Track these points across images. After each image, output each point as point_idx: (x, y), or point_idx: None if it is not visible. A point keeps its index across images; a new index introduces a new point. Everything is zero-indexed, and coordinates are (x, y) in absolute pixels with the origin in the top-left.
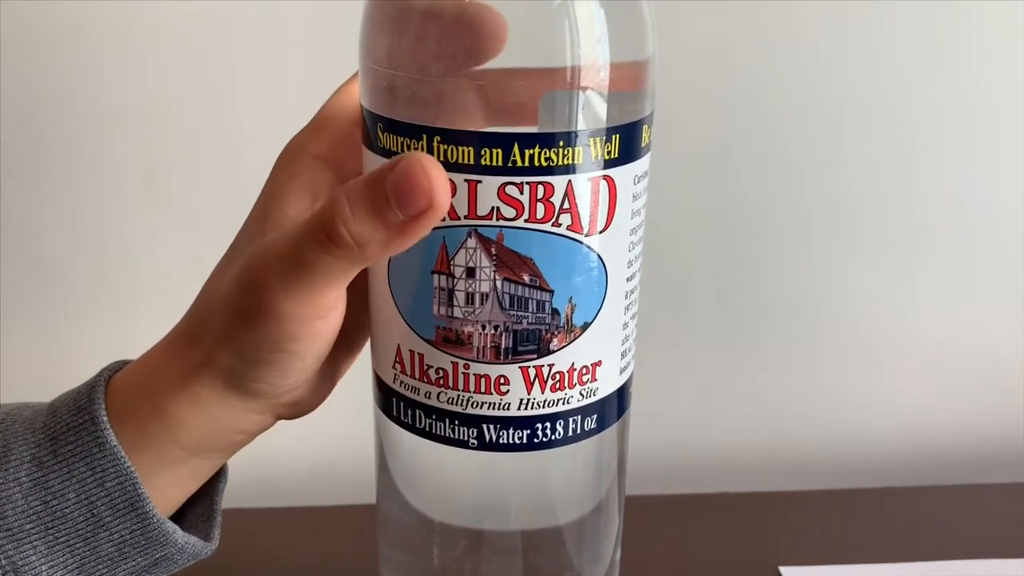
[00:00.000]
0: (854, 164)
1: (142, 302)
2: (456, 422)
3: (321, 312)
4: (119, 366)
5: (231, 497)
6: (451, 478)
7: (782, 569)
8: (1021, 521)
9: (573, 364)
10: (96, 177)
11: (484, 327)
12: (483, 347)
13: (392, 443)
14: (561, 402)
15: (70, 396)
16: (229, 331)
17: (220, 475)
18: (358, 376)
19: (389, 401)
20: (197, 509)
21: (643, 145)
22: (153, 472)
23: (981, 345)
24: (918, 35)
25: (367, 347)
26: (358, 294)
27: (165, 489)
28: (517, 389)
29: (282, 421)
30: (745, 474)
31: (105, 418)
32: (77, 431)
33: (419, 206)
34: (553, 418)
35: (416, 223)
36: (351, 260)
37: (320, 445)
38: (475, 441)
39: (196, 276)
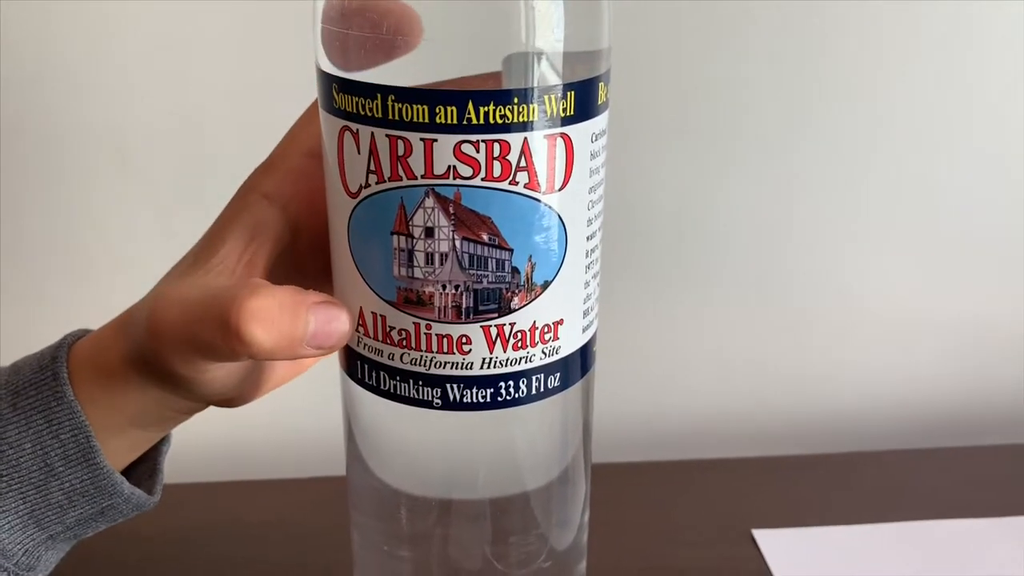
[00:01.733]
0: (829, 138)
1: (115, 280)
2: (420, 383)
3: (209, 373)
4: (81, 334)
5: (210, 471)
6: (417, 450)
7: (755, 532)
8: (988, 483)
9: (535, 323)
10: (71, 156)
11: (444, 287)
12: (444, 307)
13: (358, 415)
14: (524, 360)
15: (33, 356)
16: (145, 348)
17: (164, 440)
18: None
19: (354, 364)
20: (140, 469)
21: (600, 103)
22: (98, 437)
23: (949, 314)
24: (896, 10)
25: None
26: (302, 273)
27: (110, 454)
28: (479, 348)
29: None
30: (717, 441)
31: (66, 375)
32: (38, 386)
33: (327, 344)
34: (516, 376)
35: (314, 351)
36: (240, 357)
37: (297, 418)
38: (439, 401)
39: (168, 255)
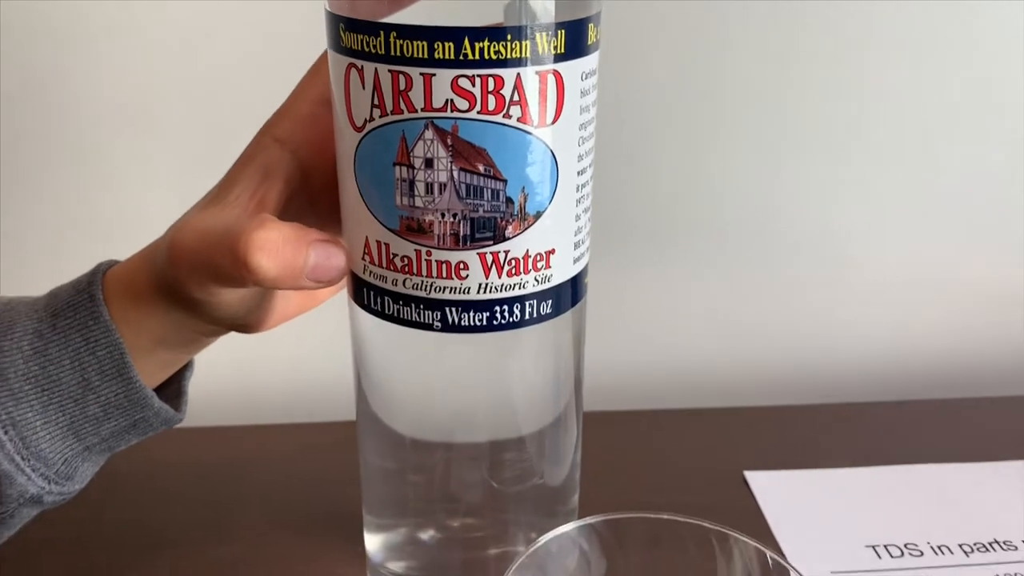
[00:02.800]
0: (824, 97)
1: (137, 238)
2: (421, 306)
3: (222, 296)
4: (112, 263)
5: (227, 415)
6: (421, 395)
7: (747, 474)
8: (978, 432)
9: (528, 251)
10: (92, 119)
11: (443, 215)
12: (443, 235)
13: (366, 361)
14: (517, 287)
15: (69, 283)
16: (167, 274)
17: (188, 366)
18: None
19: (360, 291)
20: (167, 391)
21: (590, 43)
22: (133, 354)
23: (940, 272)
24: None
25: None
26: (315, 213)
27: (140, 372)
28: (476, 274)
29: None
30: (713, 393)
31: (101, 297)
32: (76, 308)
33: (325, 279)
34: (510, 301)
35: (314, 284)
36: (247, 283)
37: (311, 363)
38: (439, 324)
39: (184, 206)
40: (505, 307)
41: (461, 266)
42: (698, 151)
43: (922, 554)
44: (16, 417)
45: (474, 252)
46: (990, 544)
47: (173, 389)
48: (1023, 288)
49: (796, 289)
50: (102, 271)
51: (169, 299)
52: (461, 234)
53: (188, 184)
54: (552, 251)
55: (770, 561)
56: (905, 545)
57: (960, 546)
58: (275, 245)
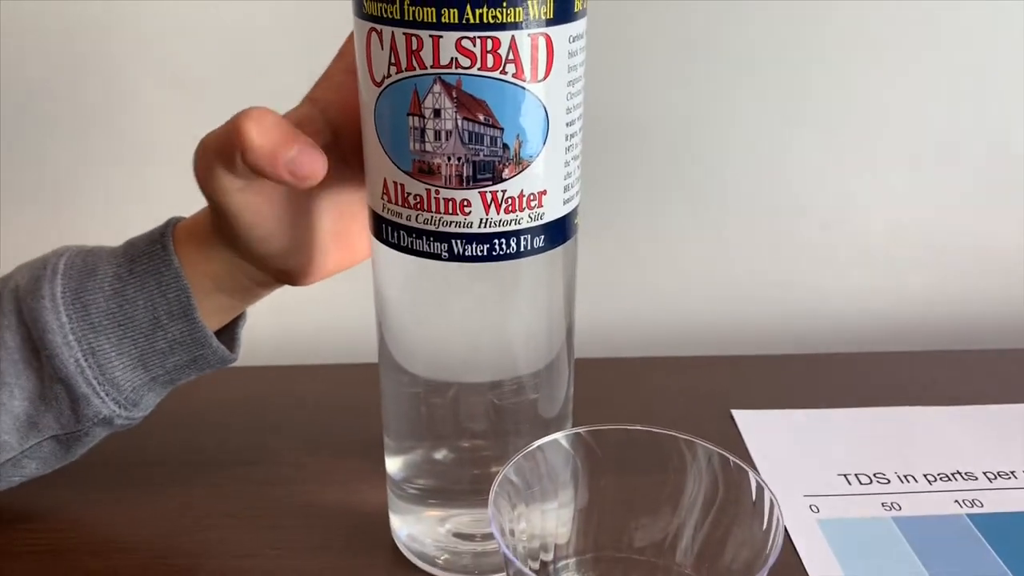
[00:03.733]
0: (825, 56)
1: (177, 194)
2: (431, 238)
3: (232, 187)
4: (180, 219)
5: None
6: (433, 339)
7: (734, 412)
8: (945, 380)
9: (522, 191)
10: (130, 81)
11: (449, 159)
12: (449, 175)
13: (386, 311)
14: (513, 222)
15: (145, 234)
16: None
17: (241, 316)
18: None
19: (379, 226)
20: (223, 337)
21: (576, 11)
22: (197, 298)
23: (921, 231)
24: None
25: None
26: (347, 166)
27: (202, 314)
28: (477, 210)
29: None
30: (703, 342)
31: (172, 247)
32: (151, 256)
33: (300, 175)
34: (507, 235)
35: (286, 175)
36: (238, 154)
37: (341, 312)
38: (446, 254)
39: None
40: (502, 240)
41: (465, 203)
42: (695, 107)
43: (889, 482)
44: (95, 347)
45: (476, 191)
46: (952, 475)
47: (228, 335)
48: (997, 249)
49: (783, 247)
50: (172, 224)
51: (221, 237)
52: (464, 175)
53: None
54: (544, 192)
55: (732, 464)
56: (874, 474)
57: (924, 475)
58: (266, 123)
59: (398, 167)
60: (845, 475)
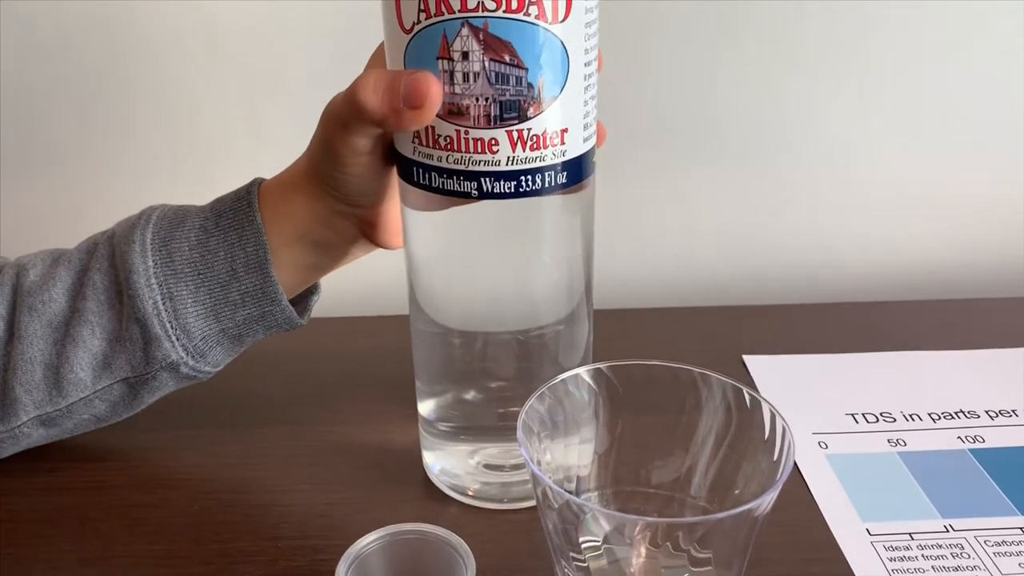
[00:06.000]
0: (829, 16)
1: (210, 156)
2: (460, 178)
3: (357, 150)
4: (263, 180)
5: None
6: (462, 292)
7: (745, 357)
8: (950, 326)
9: (546, 129)
10: (167, 47)
11: (477, 99)
12: (478, 116)
13: (416, 269)
14: (538, 159)
15: (232, 192)
16: (316, 148)
17: (315, 290)
18: None
19: (410, 170)
20: (297, 308)
21: None
22: (273, 253)
23: (930, 184)
24: None
25: None
26: None
27: (279, 268)
28: (505, 149)
29: None
30: (716, 293)
31: (257, 205)
32: (236, 212)
33: (417, 103)
34: (533, 172)
35: (411, 113)
36: (366, 123)
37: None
38: (475, 192)
39: (255, 132)
40: (528, 177)
41: (493, 142)
42: (706, 66)
43: (895, 420)
44: (174, 292)
45: (503, 130)
46: (955, 413)
47: (301, 305)
48: (1003, 203)
49: (795, 201)
50: (258, 183)
51: (314, 179)
52: (492, 115)
53: (258, 108)
54: (566, 130)
55: (746, 395)
56: (880, 414)
57: (929, 414)
58: (372, 80)
59: None
60: (852, 415)
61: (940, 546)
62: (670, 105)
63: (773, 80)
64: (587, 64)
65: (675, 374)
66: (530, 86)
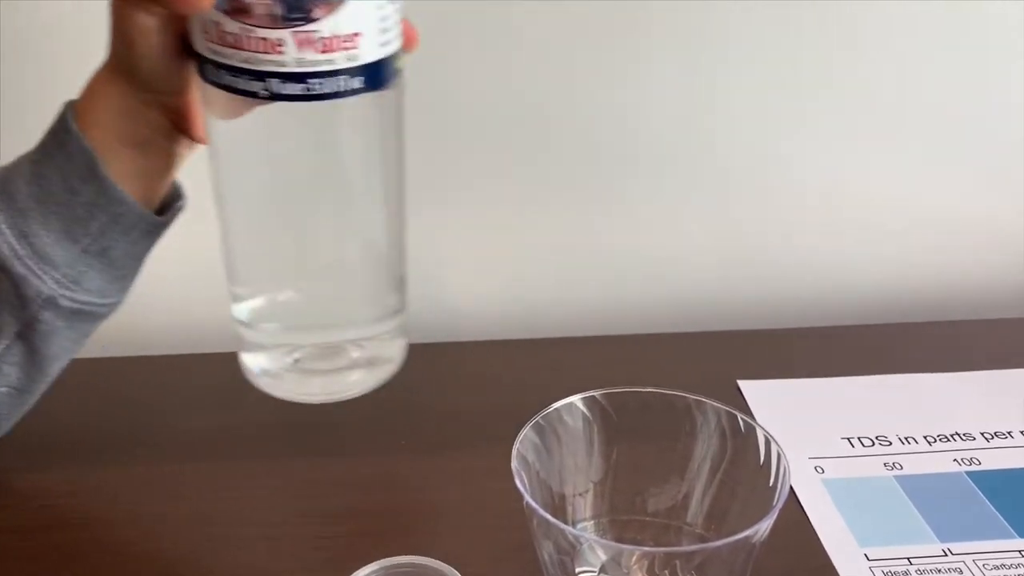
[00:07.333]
0: (812, 30)
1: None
2: (249, 77)
3: (143, 28)
4: (73, 100)
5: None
6: (267, 193)
7: (740, 383)
8: (943, 348)
9: (336, 32)
10: None
11: None
12: (261, 15)
13: (223, 177)
14: (328, 63)
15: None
16: (111, 33)
17: (177, 196)
18: None
19: (204, 66)
20: (164, 216)
21: None
22: (103, 157)
23: (923, 209)
24: None
25: None
26: None
27: (117, 175)
28: (291, 50)
29: None
30: (710, 318)
31: (71, 117)
32: (55, 133)
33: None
34: (323, 75)
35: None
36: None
37: None
38: (264, 91)
39: None
40: (318, 80)
41: (279, 43)
42: (695, 89)
43: (891, 444)
44: (25, 230)
45: (288, 31)
46: (951, 435)
47: (170, 213)
48: (996, 224)
49: (787, 228)
50: (69, 103)
51: (115, 74)
52: (276, 14)
53: None
54: (358, 34)
55: (740, 421)
56: (876, 437)
57: (924, 437)
58: None
59: (216, 7)
60: (848, 438)
61: (939, 571)
62: (666, 131)
63: (767, 103)
64: None
65: (669, 401)
66: None
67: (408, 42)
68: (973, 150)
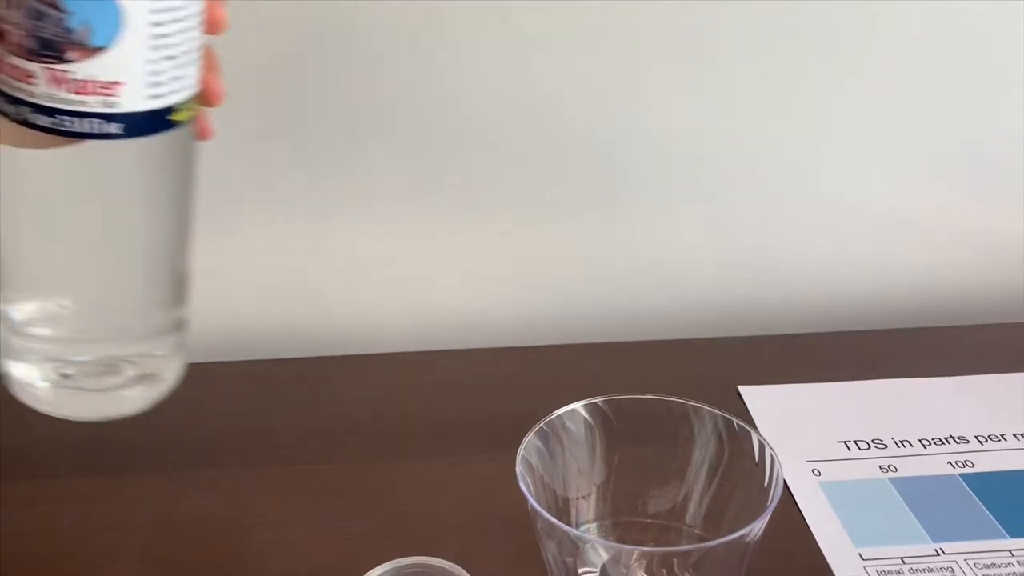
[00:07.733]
0: (807, 36)
1: None
2: (4, 99)
3: None
4: None
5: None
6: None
7: (741, 388)
8: (938, 353)
9: (92, 77)
10: None
11: (17, 27)
12: (15, 44)
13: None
14: (81, 104)
15: None
16: None
17: None
18: None
19: None
20: None
21: None
22: None
23: (916, 215)
24: None
25: None
26: None
27: None
28: (42, 84)
29: None
30: (708, 324)
31: None
32: None
33: None
34: (74, 114)
35: None
36: None
37: None
38: (17, 116)
39: None
40: (68, 118)
41: (30, 74)
42: (694, 97)
43: (886, 447)
44: None
45: (40, 66)
46: (946, 439)
47: None
48: (991, 228)
49: (786, 235)
50: None
51: None
52: (28, 47)
53: None
54: (119, 83)
55: (735, 426)
56: (872, 440)
57: (919, 440)
58: None
59: None
60: (845, 442)
61: (931, 569)
62: (664, 139)
63: (766, 110)
64: (158, 24)
65: (668, 407)
66: (69, 31)
67: (210, 97)
68: (975, 158)
